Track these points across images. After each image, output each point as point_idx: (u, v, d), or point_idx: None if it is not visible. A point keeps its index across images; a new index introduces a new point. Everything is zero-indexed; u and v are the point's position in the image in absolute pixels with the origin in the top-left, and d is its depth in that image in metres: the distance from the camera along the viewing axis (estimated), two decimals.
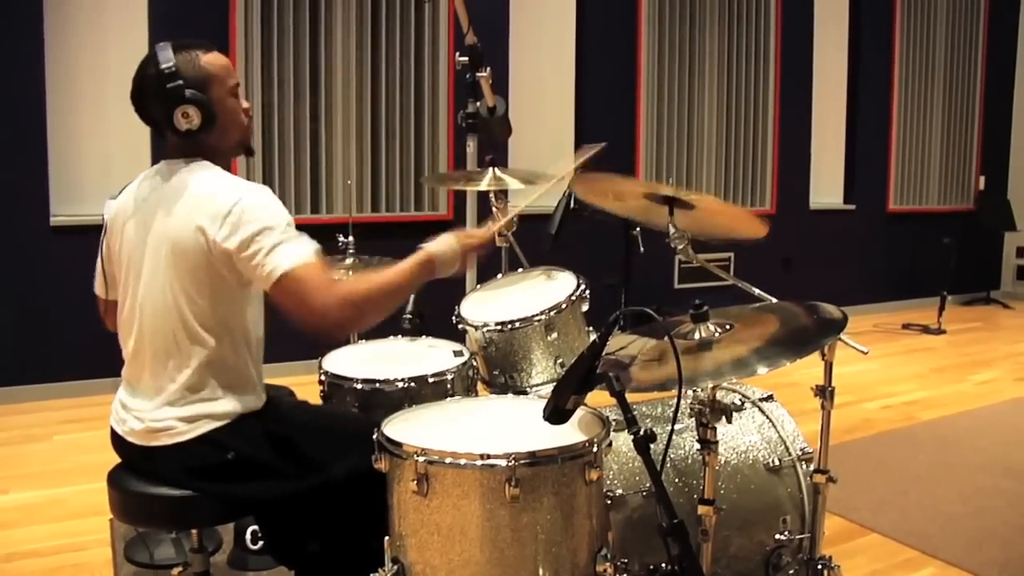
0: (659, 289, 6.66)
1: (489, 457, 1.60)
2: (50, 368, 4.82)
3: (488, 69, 2.93)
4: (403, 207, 5.72)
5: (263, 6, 5.13)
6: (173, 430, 1.93)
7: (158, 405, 1.94)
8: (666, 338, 1.75)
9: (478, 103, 3.04)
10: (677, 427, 2.25)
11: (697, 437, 1.92)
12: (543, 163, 5.91)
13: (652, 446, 1.59)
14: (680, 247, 2.28)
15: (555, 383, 1.71)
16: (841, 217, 7.87)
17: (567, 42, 6.45)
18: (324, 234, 3.29)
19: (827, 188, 7.88)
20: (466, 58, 2.94)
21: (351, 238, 3.21)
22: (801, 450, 2.31)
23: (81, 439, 4.17)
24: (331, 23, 5.38)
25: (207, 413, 1.94)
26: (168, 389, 1.93)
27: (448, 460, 1.62)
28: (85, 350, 4.72)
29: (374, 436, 1.74)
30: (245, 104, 2.08)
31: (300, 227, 1.89)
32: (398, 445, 1.68)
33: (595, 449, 1.68)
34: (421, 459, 1.62)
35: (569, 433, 1.75)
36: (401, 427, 1.81)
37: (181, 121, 1.91)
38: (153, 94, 1.92)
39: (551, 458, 1.63)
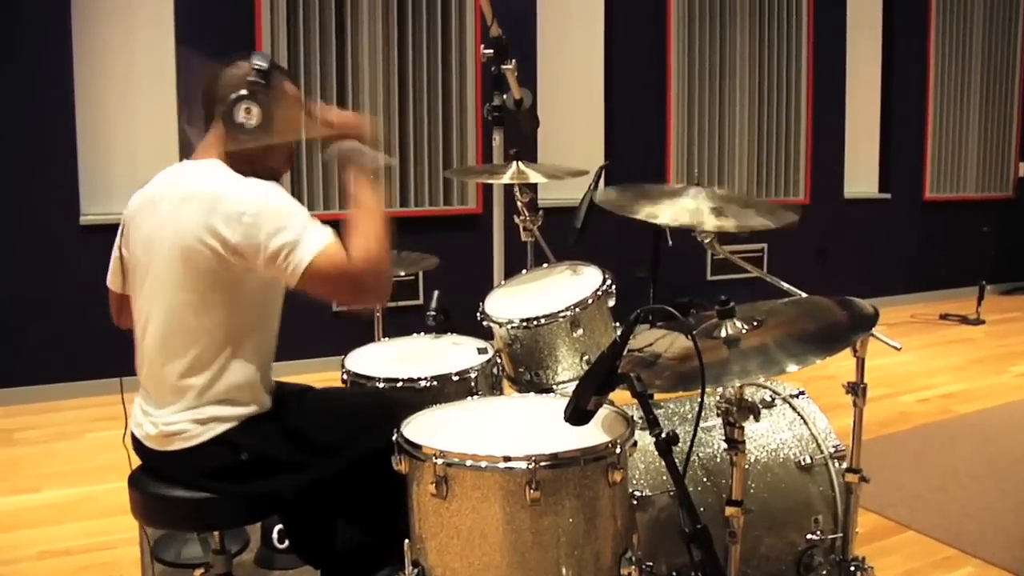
0: (692, 281, 6.60)
1: (509, 459, 1.57)
2: (83, 366, 4.86)
3: (513, 61, 2.89)
4: (432, 201, 5.71)
5: (289, 2, 5.13)
6: (186, 433, 1.92)
7: (170, 409, 1.94)
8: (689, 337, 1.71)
9: (504, 96, 3.00)
10: (707, 425, 2.20)
11: (724, 436, 1.88)
12: (572, 155, 5.93)
13: (675, 448, 1.55)
14: (707, 240, 2.25)
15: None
16: (876, 206, 7.75)
17: (595, 33, 6.39)
18: None
19: (862, 177, 7.75)
20: (491, 51, 2.91)
21: None
22: (834, 447, 2.26)
23: (113, 437, 4.13)
24: (357, 18, 5.36)
25: (219, 415, 1.93)
26: (178, 392, 1.93)
27: (468, 462, 1.59)
28: (117, 348, 4.73)
29: (387, 422, 1.74)
30: (299, 137, 2.13)
31: (327, 223, 1.89)
32: (417, 447, 1.65)
33: (618, 450, 1.64)
34: (440, 461, 1.60)
35: (592, 434, 1.71)
36: (421, 428, 1.79)
37: (242, 114, 1.92)
38: (232, 83, 1.94)
39: (573, 460, 1.60)
